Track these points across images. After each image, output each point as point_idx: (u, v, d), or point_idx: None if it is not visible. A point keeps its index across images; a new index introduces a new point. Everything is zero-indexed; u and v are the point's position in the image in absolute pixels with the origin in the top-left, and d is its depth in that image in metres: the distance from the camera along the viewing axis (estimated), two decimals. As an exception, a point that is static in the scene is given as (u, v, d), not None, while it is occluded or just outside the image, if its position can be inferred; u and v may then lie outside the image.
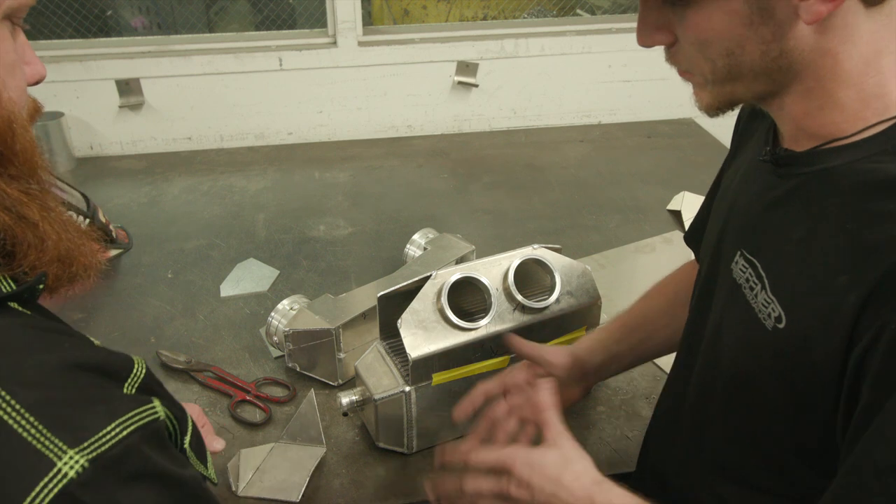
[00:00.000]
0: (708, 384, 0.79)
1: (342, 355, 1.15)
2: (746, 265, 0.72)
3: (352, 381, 1.18)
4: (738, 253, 0.73)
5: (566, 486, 0.70)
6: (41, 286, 0.57)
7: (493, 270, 1.04)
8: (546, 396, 0.79)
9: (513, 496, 0.71)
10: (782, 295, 0.65)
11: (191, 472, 0.57)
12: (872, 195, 0.59)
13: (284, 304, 1.21)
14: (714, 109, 0.68)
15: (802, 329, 0.63)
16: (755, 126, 0.80)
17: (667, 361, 1.24)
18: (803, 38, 0.59)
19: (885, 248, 0.56)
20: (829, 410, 0.62)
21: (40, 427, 0.47)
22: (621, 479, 0.99)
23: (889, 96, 0.61)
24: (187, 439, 0.65)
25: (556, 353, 0.97)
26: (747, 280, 0.71)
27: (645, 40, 0.67)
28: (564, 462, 0.72)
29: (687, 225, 1.64)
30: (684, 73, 0.68)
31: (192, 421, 0.68)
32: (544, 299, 1.04)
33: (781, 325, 0.65)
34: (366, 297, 1.20)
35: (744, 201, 0.75)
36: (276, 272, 1.50)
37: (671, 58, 0.67)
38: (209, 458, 0.73)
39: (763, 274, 0.69)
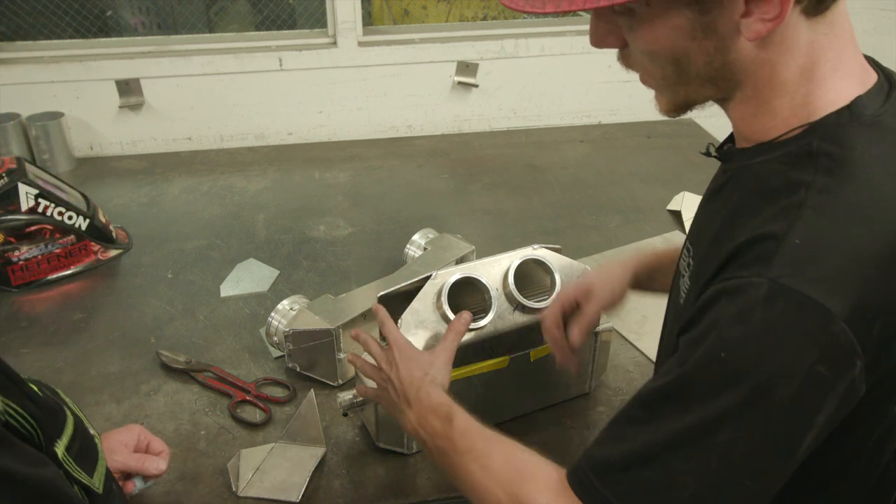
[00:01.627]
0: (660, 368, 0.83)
1: (342, 355, 1.15)
2: (686, 253, 0.76)
3: (352, 381, 1.18)
4: (686, 242, 0.78)
5: (411, 374, 0.87)
6: None
7: (493, 270, 1.04)
8: (459, 324, 0.95)
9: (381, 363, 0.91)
10: (694, 284, 0.70)
11: (44, 471, 0.55)
12: (760, 195, 0.63)
13: (284, 305, 1.21)
14: (672, 111, 0.70)
15: (685, 312, 0.67)
16: None
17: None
18: (744, 50, 0.61)
19: (739, 236, 0.61)
20: None
21: None
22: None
23: (815, 104, 0.62)
24: (61, 444, 0.63)
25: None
26: (683, 267, 0.76)
27: (597, 43, 0.69)
28: (427, 364, 0.88)
29: (687, 225, 1.64)
30: (642, 79, 0.70)
31: (76, 427, 0.66)
32: (544, 299, 1.04)
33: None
34: (366, 297, 1.20)
35: (705, 194, 0.80)
36: (276, 272, 1.50)
37: (623, 60, 0.70)
38: (100, 468, 0.70)
39: (691, 262, 0.73)
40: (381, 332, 0.96)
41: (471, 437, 0.77)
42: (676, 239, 1.62)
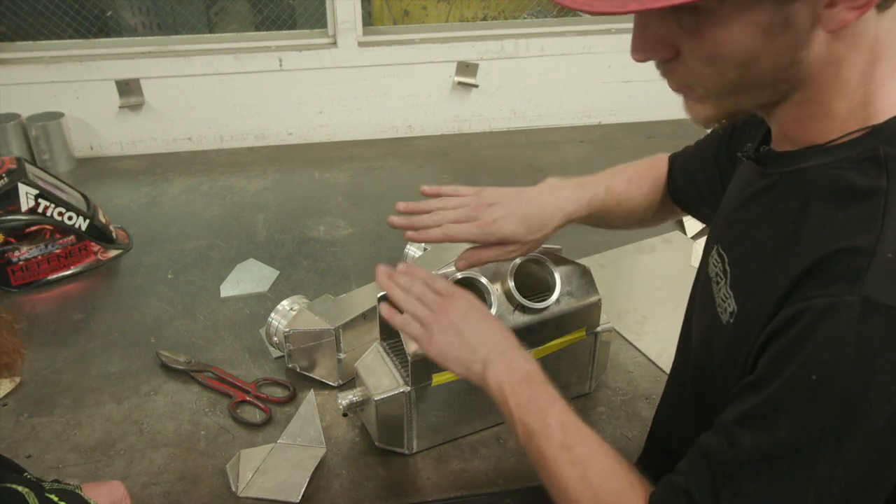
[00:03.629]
0: (681, 377, 0.82)
1: (342, 356, 1.15)
2: (718, 259, 0.73)
3: (352, 382, 1.18)
4: (715, 247, 0.74)
5: (491, 325, 0.83)
6: None
7: (493, 271, 1.04)
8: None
9: (439, 320, 0.83)
10: (738, 291, 0.67)
11: None
12: (826, 201, 0.60)
13: (284, 305, 1.21)
14: (713, 121, 0.65)
15: (746, 326, 0.64)
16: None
17: (667, 362, 1.24)
18: (816, 46, 0.57)
19: (814, 248, 0.58)
20: None
21: None
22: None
23: (874, 106, 0.60)
24: None
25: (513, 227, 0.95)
26: (716, 274, 0.72)
27: (643, 55, 0.63)
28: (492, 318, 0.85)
29: (687, 225, 1.65)
30: (683, 88, 0.64)
31: None
32: (544, 300, 1.04)
33: (733, 321, 0.66)
34: (366, 297, 1.20)
35: (729, 196, 0.77)
36: (276, 272, 1.50)
37: (668, 72, 0.64)
38: None
39: (728, 269, 0.70)
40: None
41: (570, 436, 0.73)
42: (676, 239, 1.62)
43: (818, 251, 0.57)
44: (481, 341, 0.82)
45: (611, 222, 1.05)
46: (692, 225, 1.65)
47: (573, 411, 0.76)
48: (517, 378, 0.78)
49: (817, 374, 0.54)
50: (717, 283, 0.71)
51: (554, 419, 0.74)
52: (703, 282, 0.77)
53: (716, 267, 0.73)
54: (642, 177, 1.04)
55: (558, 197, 0.97)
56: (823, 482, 0.55)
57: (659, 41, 0.61)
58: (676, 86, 0.65)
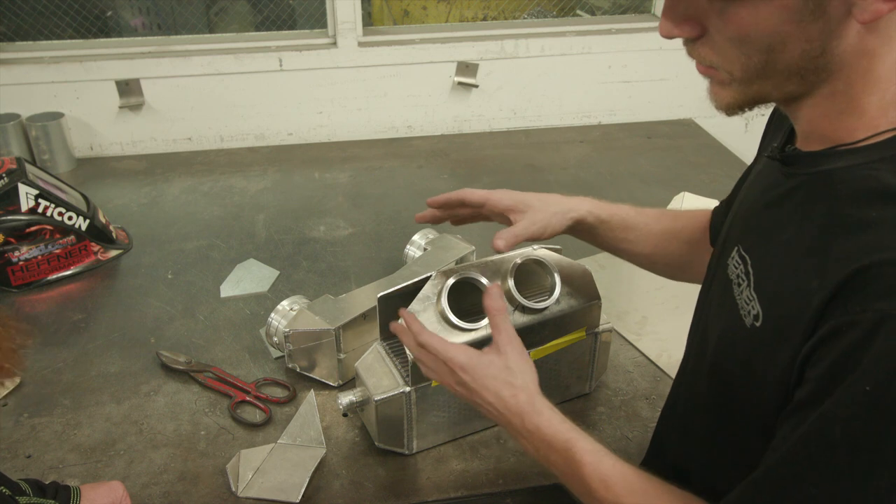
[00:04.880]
0: (695, 380, 0.80)
1: (342, 356, 1.15)
2: (739, 261, 0.71)
3: (352, 382, 1.18)
4: (736, 248, 0.73)
5: (503, 399, 0.78)
6: None
7: (493, 271, 1.04)
8: (497, 301, 0.85)
9: (453, 386, 0.82)
10: (763, 294, 0.65)
11: None
12: (858, 202, 0.59)
13: (284, 305, 1.21)
14: (735, 108, 0.64)
15: (775, 330, 0.63)
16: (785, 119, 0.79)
17: (667, 362, 1.24)
18: (848, 37, 0.56)
19: (853, 254, 0.56)
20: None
21: None
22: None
23: None
24: None
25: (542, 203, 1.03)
26: (738, 276, 0.71)
27: (669, 31, 0.62)
28: (506, 373, 0.80)
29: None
30: (708, 69, 0.63)
31: None
32: (544, 300, 1.04)
33: (758, 325, 0.65)
34: (366, 297, 1.20)
35: (750, 197, 0.75)
36: (277, 273, 1.50)
37: (694, 51, 0.63)
38: None
39: (751, 271, 0.68)
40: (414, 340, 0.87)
41: (613, 490, 0.70)
42: (676, 239, 1.61)
43: (858, 259, 0.55)
44: (499, 416, 0.80)
45: (626, 243, 1.09)
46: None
47: (608, 455, 0.73)
48: (545, 453, 0.76)
49: (872, 386, 0.53)
50: (739, 285, 0.70)
51: (591, 479, 0.72)
52: (720, 284, 0.75)
53: (737, 269, 0.71)
54: (663, 212, 1.10)
55: (556, 211, 1.03)
56: (888, 492, 0.53)
57: (686, 19, 0.61)
58: (702, 68, 0.64)
